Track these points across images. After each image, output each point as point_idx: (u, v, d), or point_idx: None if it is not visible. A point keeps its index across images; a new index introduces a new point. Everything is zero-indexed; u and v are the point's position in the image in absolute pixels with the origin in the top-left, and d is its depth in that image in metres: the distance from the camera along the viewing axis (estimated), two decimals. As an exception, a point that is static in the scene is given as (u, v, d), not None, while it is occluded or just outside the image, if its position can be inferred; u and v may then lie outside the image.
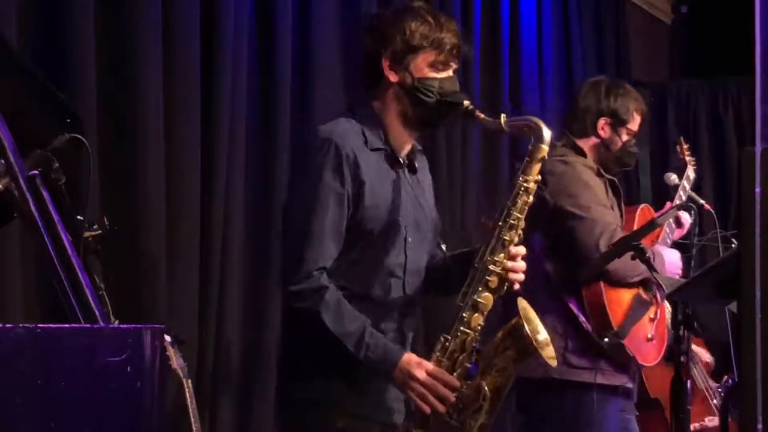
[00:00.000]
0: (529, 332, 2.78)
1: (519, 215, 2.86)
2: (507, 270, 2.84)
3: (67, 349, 1.68)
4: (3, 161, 1.90)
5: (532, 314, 2.85)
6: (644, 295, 3.85)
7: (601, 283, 3.75)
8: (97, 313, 1.87)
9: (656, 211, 4.18)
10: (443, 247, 3.12)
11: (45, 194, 1.94)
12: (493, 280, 2.84)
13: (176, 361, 3.48)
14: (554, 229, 3.78)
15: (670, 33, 8.12)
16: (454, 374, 2.82)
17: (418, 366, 2.79)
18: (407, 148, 3.02)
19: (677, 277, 3.84)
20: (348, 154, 2.86)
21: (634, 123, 4.02)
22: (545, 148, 2.86)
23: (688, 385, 3.36)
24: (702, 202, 4.70)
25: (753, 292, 2.03)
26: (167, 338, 3.38)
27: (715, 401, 4.79)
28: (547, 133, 2.85)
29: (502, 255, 2.84)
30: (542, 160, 2.87)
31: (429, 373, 2.79)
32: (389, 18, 3.00)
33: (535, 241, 3.72)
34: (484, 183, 5.81)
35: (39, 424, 1.64)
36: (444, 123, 3.18)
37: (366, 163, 2.89)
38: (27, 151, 2.04)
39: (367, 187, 2.87)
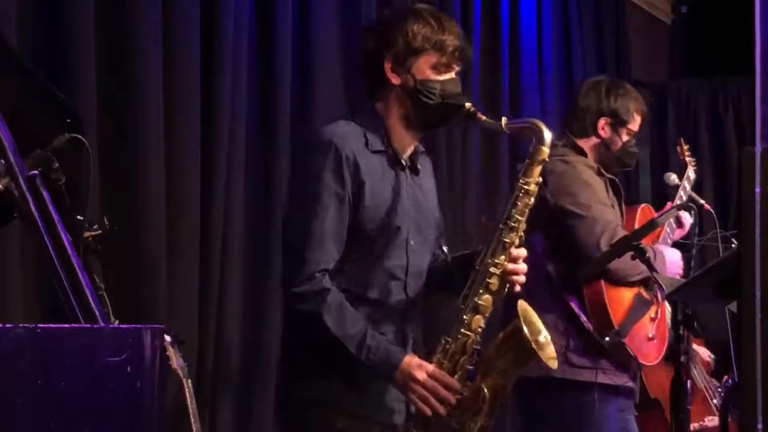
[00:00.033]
0: (528, 335, 2.77)
1: (519, 217, 2.85)
2: (508, 272, 2.84)
3: (67, 349, 1.68)
4: (3, 161, 1.90)
5: (533, 316, 2.84)
6: (645, 295, 3.86)
7: (602, 282, 3.75)
8: (97, 313, 1.87)
9: (656, 211, 4.19)
10: (444, 248, 3.12)
11: (45, 194, 1.94)
12: (494, 283, 2.84)
13: (176, 361, 3.48)
14: (555, 229, 3.78)
15: (670, 33, 8.12)
16: (455, 376, 2.81)
17: (419, 368, 2.79)
18: (410, 149, 3.01)
19: (678, 276, 3.84)
20: (348, 155, 2.86)
21: (635, 123, 4.02)
22: (546, 150, 2.85)
23: (688, 385, 3.36)
24: (702, 202, 4.70)
25: (753, 292, 2.03)
26: (167, 338, 3.37)
27: (715, 401, 4.79)
28: (547, 135, 2.85)
29: (503, 257, 2.84)
30: (543, 162, 2.86)
31: (430, 375, 2.78)
32: (391, 20, 3.00)
33: (536, 242, 3.73)
34: (484, 183, 5.81)
35: (39, 424, 1.64)
36: (446, 125, 3.18)
37: (366, 164, 2.88)
38: (27, 151, 2.04)
39: (367, 188, 2.87)
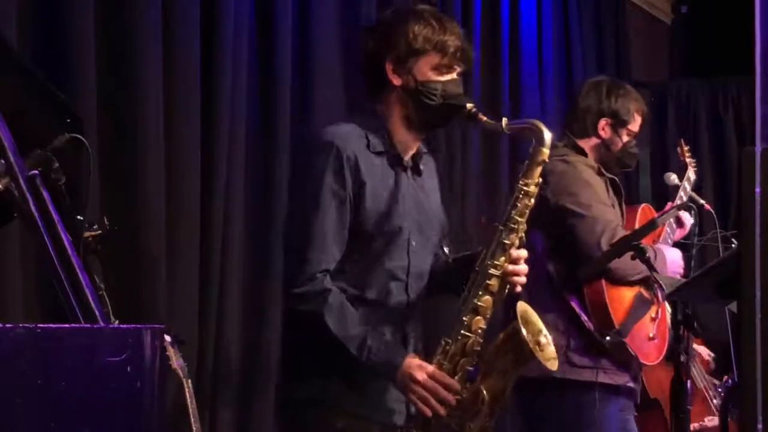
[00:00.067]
0: (526, 336, 2.77)
1: (519, 219, 2.85)
2: (508, 273, 2.84)
3: (67, 349, 1.68)
4: (3, 161, 1.90)
5: (533, 316, 2.84)
6: (646, 294, 3.86)
7: (603, 282, 3.76)
8: (97, 313, 1.87)
9: (657, 211, 4.19)
10: (446, 249, 3.11)
11: (45, 194, 1.94)
12: (494, 284, 2.84)
13: (176, 361, 3.48)
14: (556, 228, 3.79)
15: (670, 33, 8.12)
16: (455, 377, 2.81)
17: (420, 368, 2.79)
18: (412, 150, 3.01)
19: (679, 276, 3.84)
20: (349, 156, 2.85)
21: (635, 124, 4.02)
22: (546, 151, 2.85)
23: (688, 385, 3.36)
24: (702, 202, 4.71)
25: (753, 292, 2.03)
26: (167, 338, 3.37)
27: (715, 401, 4.79)
28: (547, 136, 2.85)
29: (502, 258, 2.84)
30: (543, 163, 2.86)
31: (430, 376, 2.78)
32: (392, 21, 2.99)
33: (536, 241, 3.73)
34: (484, 183, 5.81)
35: (39, 424, 1.64)
36: (447, 125, 3.18)
37: (367, 165, 2.88)
38: (27, 151, 2.04)
39: (368, 188, 2.87)
